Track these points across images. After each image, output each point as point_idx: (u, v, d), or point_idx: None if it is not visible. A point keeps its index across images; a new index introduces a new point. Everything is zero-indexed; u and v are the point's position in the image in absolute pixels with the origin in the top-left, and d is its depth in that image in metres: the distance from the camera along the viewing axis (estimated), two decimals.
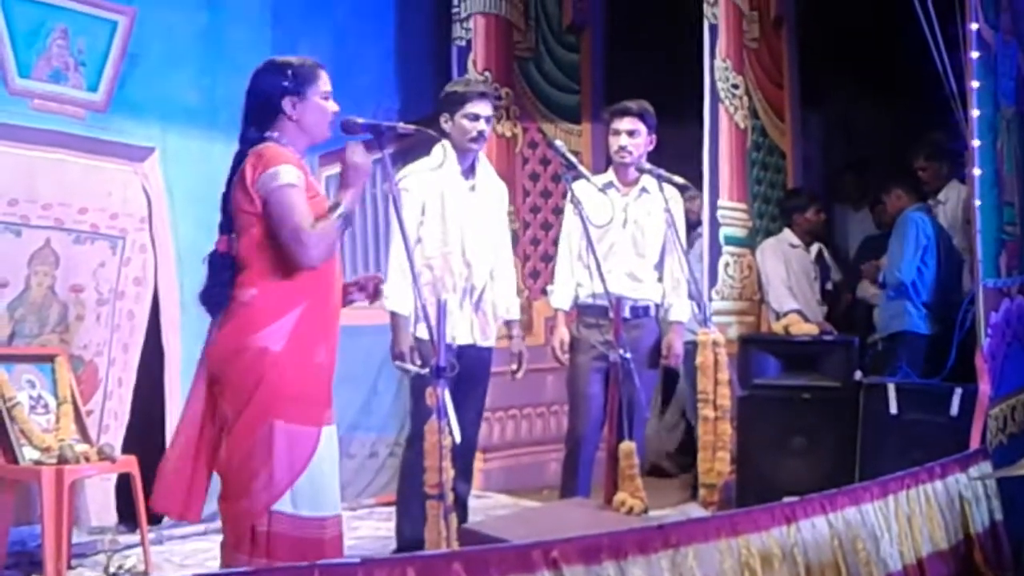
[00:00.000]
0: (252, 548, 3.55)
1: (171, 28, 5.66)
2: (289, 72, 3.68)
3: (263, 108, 3.68)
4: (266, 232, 3.58)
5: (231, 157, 3.71)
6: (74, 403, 5.06)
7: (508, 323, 5.16)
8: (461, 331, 4.85)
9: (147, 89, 5.56)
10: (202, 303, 3.67)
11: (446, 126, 4.89)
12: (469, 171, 4.95)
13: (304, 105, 3.69)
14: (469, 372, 4.71)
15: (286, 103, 3.67)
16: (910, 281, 6.12)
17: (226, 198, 3.66)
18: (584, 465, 5.19)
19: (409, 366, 4.49)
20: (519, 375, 5.12)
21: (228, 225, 3.64)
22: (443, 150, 4.91)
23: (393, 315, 4.78)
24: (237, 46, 5.77)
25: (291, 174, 3.57)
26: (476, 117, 4.87)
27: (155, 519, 5.25)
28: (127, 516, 5.20)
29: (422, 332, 4.63)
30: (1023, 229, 5.78)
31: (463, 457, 4.73)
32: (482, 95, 4.93)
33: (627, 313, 5.12)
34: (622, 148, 5.23)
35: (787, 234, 6.78)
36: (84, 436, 5.05)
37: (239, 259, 3.62)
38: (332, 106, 3.76)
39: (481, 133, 4.89)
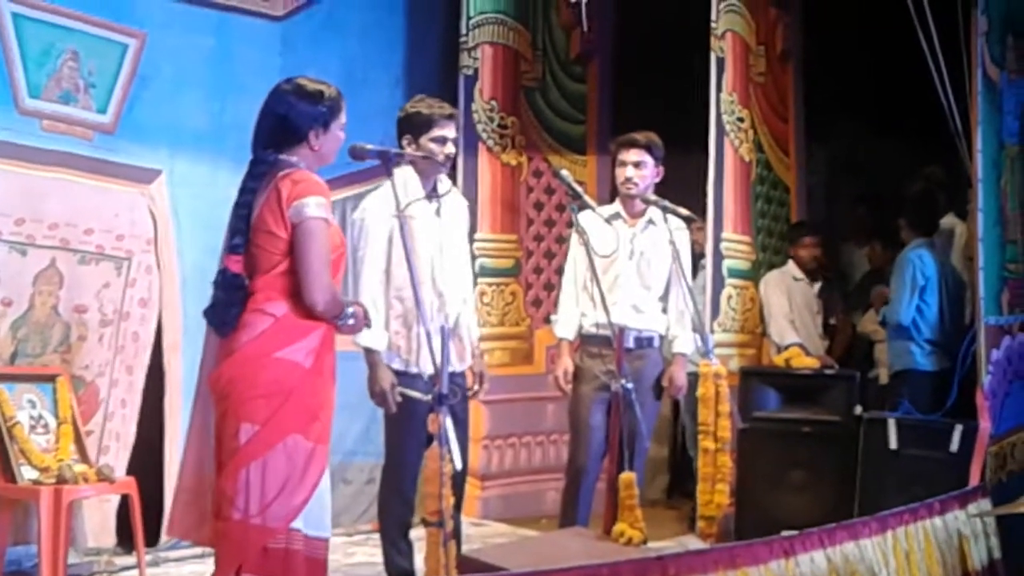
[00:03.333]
0: (264, 568, 3.53)
1: (181, 52, 5.70)
2: (321, 106, 3.71)
3: (286, 133, 3.70)
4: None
5: (240, 179, 3.72)
6: (74, 423, 5.07)
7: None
8: (433, 361, 4.73)
9: (156, 112, 5.59)
10: (211, 322, 3.68)
11: (409, 149, 4.69)
12: (432, 193, 4.78)
13: (326, 136, 3.74)
14: (452, 400, 4.73)
15: (312, 134, 3.71)
16: (907, 323, 6.14)
17: (245, 218, 3.65)
18: (584, 495, 5.17)
19: (392, 401, 4.50)
20: (480, 395, 5.07)
21: (245, 244, 3.65)
22: (404, 176, 4.66)
23: (368, 352, 4.58)
24: (246, 70, 5.80)
25: (324, 207, 3.62)
26: (444, 140, 4.71)
27: (152, 541, 5.25)
28: (127, 538, 5.19)
29: (397, 365, 4.63)
30: None
31: (458, 485, 4.75)
32: (450, 117, 4.79)
33: (631, 344, 5.12)
34: (628, 179, 5.24)
35: (791, 267, 6.80)
36: (83, 457, 5.06)
37: (261, 277, 3.63)
38: (342, 135, 3.81)
39: (448, 156, 4.76)
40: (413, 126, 4.74)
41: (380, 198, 4.72)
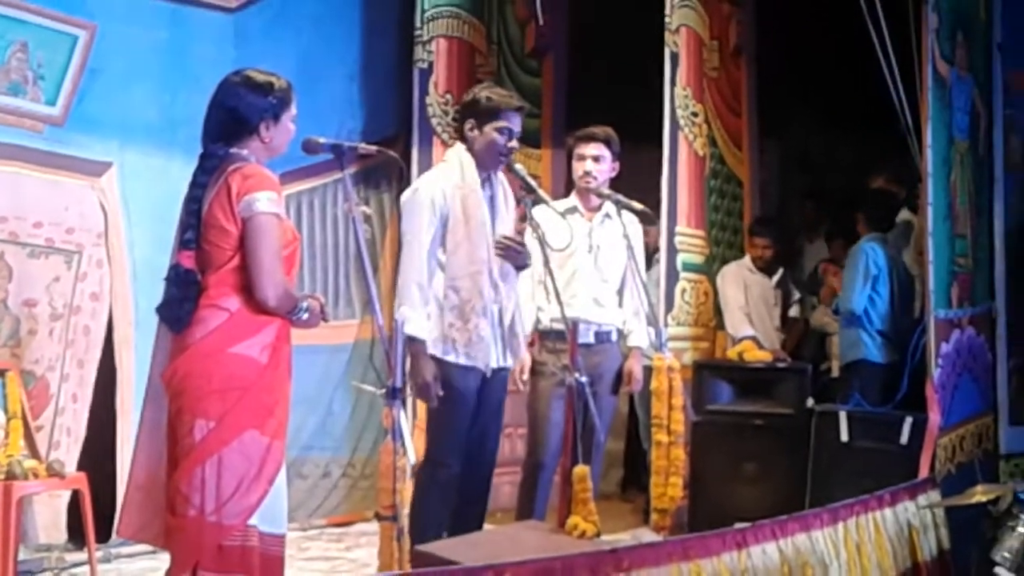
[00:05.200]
0: (220, 565, 3.50)
1: (132, 44, 5.65)
2: (271, 98, 3.69)
3: (236, 125, 3.67)
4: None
5: (190, 172, 3.70)
6: (24, 418, 5.02)
7: None
8: (493, 355, 4.59)
9: (106, 104, 5.55)
10: (164, 318, 3.64)
11: (470, 134, 4.59)
12: (486, 182, 4.65)
13: (277, 128, 3.71)
14: (497, 395, 4.68)
15: (262, 126, 3.68)
16: (860, 311, 6.20)
17: (196, 212, 3.62)
18: (542, 490, 5.15)
19: (435, 393, 4.41)
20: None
21: (196, 239, 3.62)
22: (460, 160, 4.60)
23: (412, 340, 4.38)
24: (199, 63, 5.76)
25: (275, 202, 3.60)
26: (510, 132, 4.59)
27: (104, 537, 5.21)
28: (78, 534, 5.15)
29: (452, 358, 4.50)
30: (975, 261, 5.86)
31: (486, 478, 4.74)
32: (518, 110, 4.65)
33: (591, 339, 5.13)
34: (587, 173, 5.24)
35: (747, 259, 6.85)
36: (33, 452, 5.02)
37: (213, 272, 3.60)
38: (293, 127, 3.79)
39: (511, 150, 4.63)
40: (479, 112, 4.60)
41: (433, 179, 4.60)
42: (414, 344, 4.43)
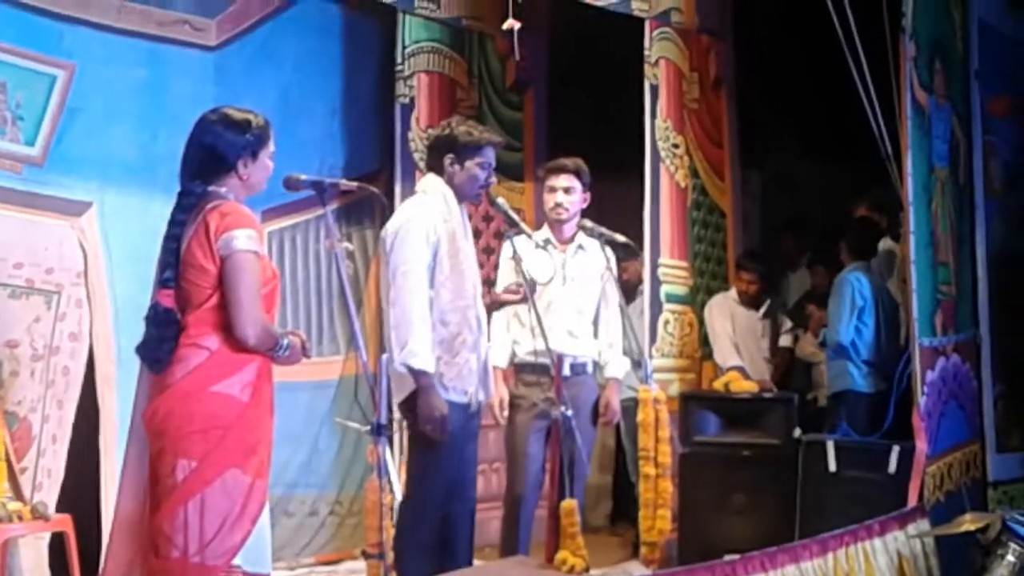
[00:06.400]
0: None
1: (111, 83, 5.62)
2: (248, 135, 3.67)
3: (214, 163, 3.65)
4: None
5: (170, 211, 3.68)
6: (7, 460, 4.98)
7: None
8: (476, 390, 4.56)
9: (86, 144, 5.52)
10: (143, 358, 3.61)
11: (451, 168, 4.55)
12: (462, 216, 4.62)
13: (255, 165, 3.70)
14: (475, 429, 4.65)
15: (240, 163, 3.67)
16: (847, 342, 6.19)
17: (174, 251, 3.60)
18: (524, 524, 5.14)
19: (448, 428, 4.33)
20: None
21: (175, 278, 3.60)
22: (443, 193, 4.54)
23: (422, 375, 4.31)
24: (179, 101, 5.73)
25: (253, 239, 3.58)
26: (490, 168, 4.61)
27: None
28: (63, 575, 5.10)
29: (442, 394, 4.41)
30: (958, 288, 5.87)
31: (471, 512, 4.69)
32: (496, 144, 4.66)
33: (567, 371, 5.10)
34: (558, 205, 5.24)
35: (733, 292, 6.86)
36: (17, 494, 4.97)
37: (192, 310, 3.58)
38: (272, 164, 3.78)
39: (490, 184, 4.65)
40: (460, 146, 4.56)
41: (420, 210, 4.50)
42: (424, 378, 4.32)
